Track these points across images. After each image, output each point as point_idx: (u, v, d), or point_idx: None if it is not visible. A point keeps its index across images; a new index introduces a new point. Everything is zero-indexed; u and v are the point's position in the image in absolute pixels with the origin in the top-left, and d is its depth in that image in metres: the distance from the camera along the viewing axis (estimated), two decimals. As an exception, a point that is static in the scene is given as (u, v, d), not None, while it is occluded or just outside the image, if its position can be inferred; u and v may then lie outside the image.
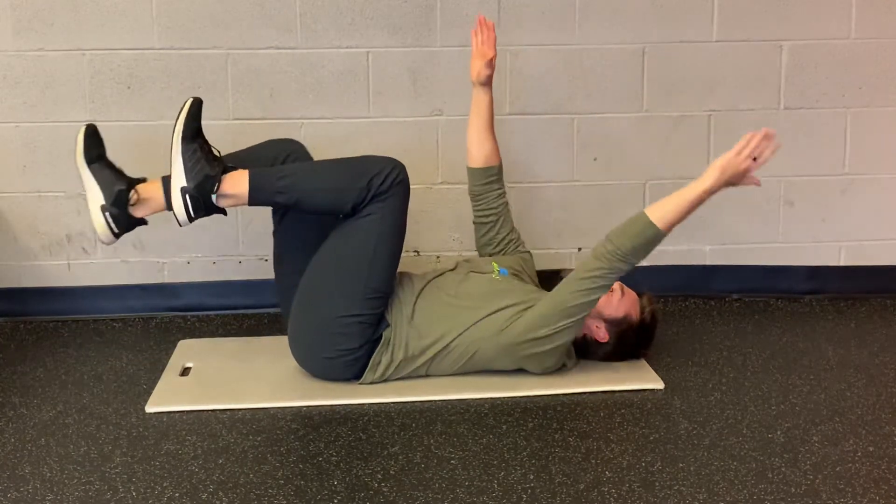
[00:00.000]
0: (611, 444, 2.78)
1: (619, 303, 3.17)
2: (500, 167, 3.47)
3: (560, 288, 3.10)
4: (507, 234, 3.49)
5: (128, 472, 2.64)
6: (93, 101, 3.73)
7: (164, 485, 2.57)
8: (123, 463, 2.69)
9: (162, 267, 3.89)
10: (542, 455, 2.72)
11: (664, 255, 3.90)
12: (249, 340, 3.60)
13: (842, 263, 4.07)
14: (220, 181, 2.98)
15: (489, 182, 3.45)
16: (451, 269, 3.35)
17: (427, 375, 3.17)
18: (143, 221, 3.06)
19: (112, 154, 3.05)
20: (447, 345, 3.12)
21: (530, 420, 2.93)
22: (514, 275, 3.35)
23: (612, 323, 3.19)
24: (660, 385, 3.16)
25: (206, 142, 3.02)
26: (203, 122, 3.01)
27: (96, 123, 3.04)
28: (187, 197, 2.96)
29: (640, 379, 3.20)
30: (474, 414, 2.98)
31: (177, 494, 2.53)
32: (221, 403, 3.04)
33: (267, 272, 3.45)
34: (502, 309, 3.13)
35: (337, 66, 3.79)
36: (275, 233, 3.28)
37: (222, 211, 3.05)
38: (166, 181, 3.00)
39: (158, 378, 3.24)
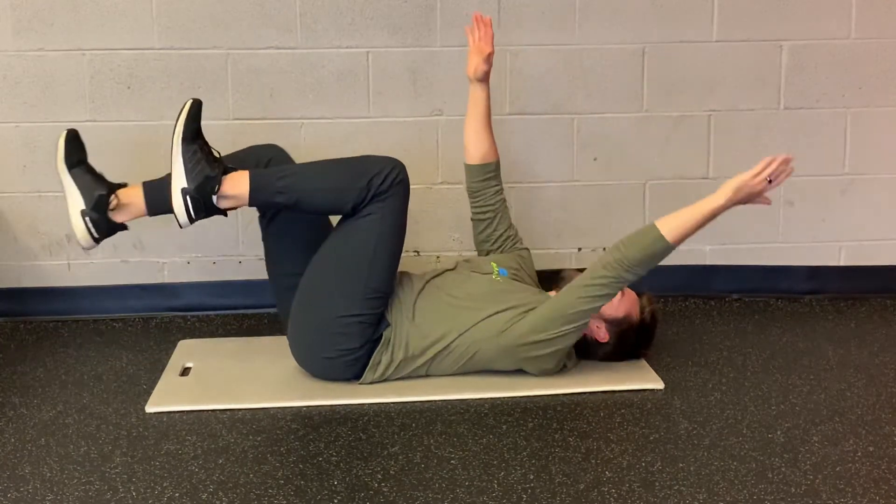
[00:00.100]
0: (611, 444, 2.78)
1: (620, 303, 3.17)
2: (497, 164, 3.47)
3: (564, 293, 3.10)
4: (505, 230, 3.49)
5: (128, 472, 2.64)
6: (93, 101, 3.73)
7: (164, 485, 2.57)
8: (123, 463, 2.69)
9: (162, 267, 3.89)
10: (542, 455, 2.72)
11: (664, 255, 3.90)
12: (249, 340, 3.60)
13: (842, 263, 4.07)
14: (220, 182, 2.98)
15: (487, 179, 3.45)
16: (451, 269, 3.35)
17: (427, 375, 3.17)
18: (123, 227, 3.06)
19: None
20: (448, 345, 3.12)
21: (530, 420, 2.93)
22: (514, 275, 3.36)
23: (612, 323, 3.20)
24: (660, 385, 3.16)
25: (206, 143, 3.02)
26: (203, 123, 3.01)
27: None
28: (188, 198, 2.96)
29: (640, 379, 3.20)
30: (474, 414, 2.98)
31: (177, 494, 2.53)
32: (221, 403, 3.04)
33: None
34: (503, 311, 3.13)
35: (337, 66, 3.79)
36: (264, 238, 3.27)
37: (223, 212, 3.05)
38: (146, 186, 3.01)
39: (158, 378, 3.24)
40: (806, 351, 3.49)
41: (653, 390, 3.14)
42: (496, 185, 3.47)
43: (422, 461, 2.69)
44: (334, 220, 3.21)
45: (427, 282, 3.24)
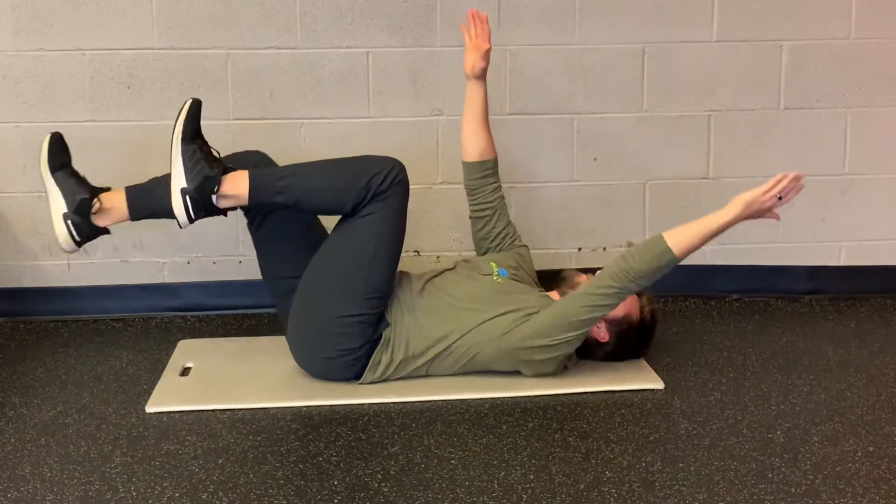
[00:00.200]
0: (611, 444, 2.78)
1: (620, 303, 3.17)
2: (495, 161, 3.47)
3: (568, 299, 3.10)
4: (504, 227, 3.48)
5: (128, 472, 2.64)
6: (93, 101, 3.73)
7: (164, 485, 2.57)
8: (123, 463, 2.69)
9: (162, 267, 3.89)
10: (542, 455, 2.72)
11: (664, 255, 3.90)
12: (249, 340, 3.60)
13: (842, 263, 4.07)
14: (220, 182, 2.98)
15: (485, 176, 3.45)
16: (450, 269, 3.35)
17: (427, 375, 3.17)
18: (105, 231, 3.06)
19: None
20: (449, 346, 3.12)
21: (530, 420, 2.93)
22: (513, 275, 3.35)
23: (612, 323, 3.19)
24: (660, 385, 3.16)
25: (205, 143, 3.02)
26: (203, 123, 3.01)
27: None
28: (187, 198, 2.96)
29: (640, 379, 3.20)
30: (474, 414, 2.98)
31: (177, 494, 2.53)
32: (221, 403, 3.04)
33: (267, 272, 3.45)
34: (505, 313, 3.12)
35: (337, 66, 3.79)
36: (256, 244, 3.26)
37: (222, 212, 3.05)
38: (129, 191, 3.01)
39: (158, 378, 3.24)
40: (806, 351, 3.49)
41: (653, 390, 3.14)
42: (494, 183, 3.47)
43: (422, 461, 2.69)
44: (329, 220, 3.21)
45: (427, 282, 3.23)
